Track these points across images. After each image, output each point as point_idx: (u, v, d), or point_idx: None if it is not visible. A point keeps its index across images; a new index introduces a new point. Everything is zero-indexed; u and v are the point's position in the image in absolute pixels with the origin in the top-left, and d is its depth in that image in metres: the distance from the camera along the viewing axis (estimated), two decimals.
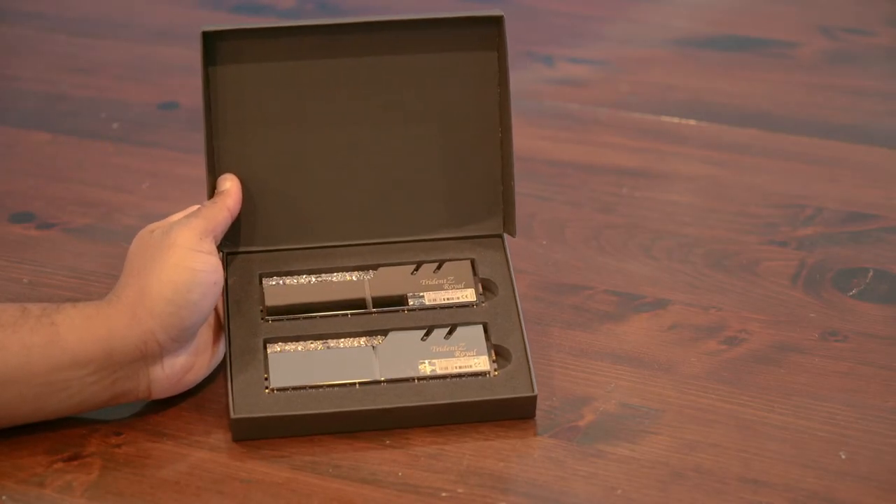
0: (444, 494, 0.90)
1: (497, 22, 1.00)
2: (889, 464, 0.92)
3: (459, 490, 0.90)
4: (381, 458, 0.92)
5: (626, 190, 1.23)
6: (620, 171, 1.26)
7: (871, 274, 1.11)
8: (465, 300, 1.00)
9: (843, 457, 0.92)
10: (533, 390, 0.94)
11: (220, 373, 0.98)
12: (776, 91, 1.41)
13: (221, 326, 0.97)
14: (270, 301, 0.98)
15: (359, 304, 0.99)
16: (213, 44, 0.98)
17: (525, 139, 1.26)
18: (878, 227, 1.18)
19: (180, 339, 0.91)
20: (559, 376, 1.00)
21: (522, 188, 1.22)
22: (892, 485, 0.90)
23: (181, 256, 0.91)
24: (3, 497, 0.89)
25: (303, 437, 0.93)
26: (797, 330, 1.05)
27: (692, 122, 1.35)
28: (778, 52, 1.49)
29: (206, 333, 0.95)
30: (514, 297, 0.99)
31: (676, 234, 1.17)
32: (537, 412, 0.96)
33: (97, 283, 1.09)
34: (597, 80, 1.43)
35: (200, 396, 0.97)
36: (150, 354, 0.91)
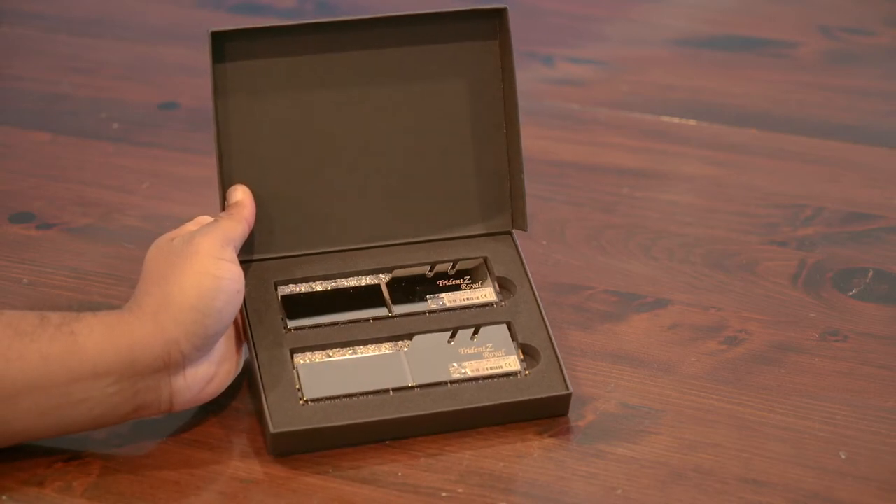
0: (444, 494, 0.90)
1: (500, 15, 1.00)
2: (889, 464, 0.92)
3: (459, 490, 0.90)
4: (381, 458, 0.92)
5: (627, 190, 1.23)
6: (621, 171, 1.26)
7: (871, 274, 1.11)
8: (485, 300, 1.00)
9: (843, 457, 0.92)
10: (567, 388, 0.94)
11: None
12: (776, 91, 1.41)
13: (240, 336, 0.96)
14: (290, 310, 0.98)
15: (378, 306, 0.99)
16: (221, 47, 0.97)
17: (525, 139, 1.26)
18: (878, 227, 1.18)
19: (203, 347, 0.90)
20: None
21: None
22: (892, 485, 0.90)
23: (205, 264, 0.90)
24: (3, 497, 0.89)
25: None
26: (797, 330, 1.05)
27: (692, 122, 1.35)
28: (778, 52, 1.50)
29: (226, 343, 0.93)
30: (533, 293, 0.99)
31: (676, 234, 1.17)
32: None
33: (97, 283, 1.09)
34: (597, 80, 1.43)
35: None
36: (172, 364, 0.89)
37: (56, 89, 1.40)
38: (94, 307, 1.00)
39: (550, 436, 0.94)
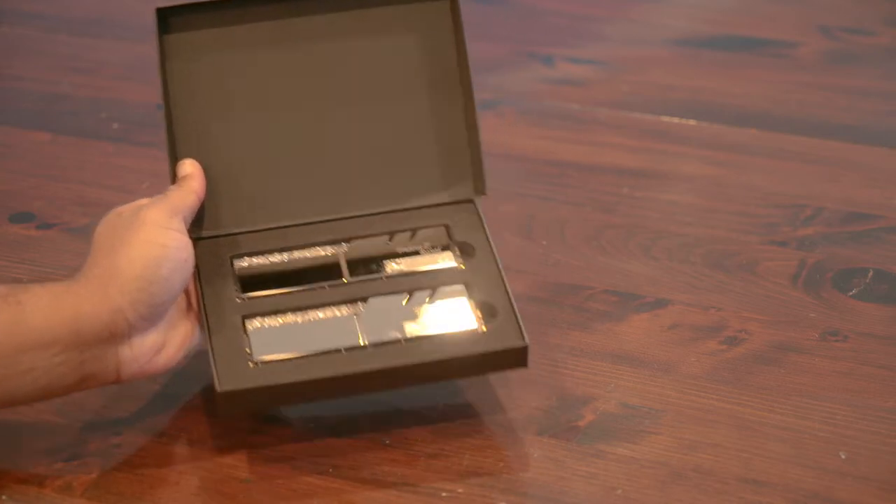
0: (444, 494, 0.90)
1: None
2: (889, 464, 0.92)
3: (459, 490, 0.90)
4: (381, 458, 0.92)
5: (627, 190, 1.23)
6: (620, 171, 1.26)
7: (871, 274, 1.11)
8: (444, 264, 0.99)
9: (843, 457, 0.92)
10: (524, 340, 0.93)
11: None
12: (776, 91, 1.41)
13: (193, 310, 0.96)
14: (244, 281, 0.97)
15: (335, 275, 0.98)
16: (167, 22, 0.98)
17: (525, 139, 1.26)
18: (878, 227, 1.18)
19: (150, 317, 0.90)
20: (559, 376, 1.00)
21: (523, 188, 1.23)
22: (892, 485, 0.90)
23: (151, 233, 0.90)
24: (3, 497, 0.89)
25: (303, 435, 0.93)
26: (797, 330, 1.05)
27: (692, 122, 1.35)
28: (778, 52, 1.50)
29: (176, 315, 0.94)
30: (494, 256, 0.98)
31: (676, 234, 1.17)
32: (537, 412, 0.96)
33: None
34: (597, 80, 1.43)
35: (199, 396, 0.97)
36: (118, 333, 0.89)
37: (56, 89, 1.40)
38: None
39: (550, 436, 0.94)
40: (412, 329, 0.94)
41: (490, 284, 0.97)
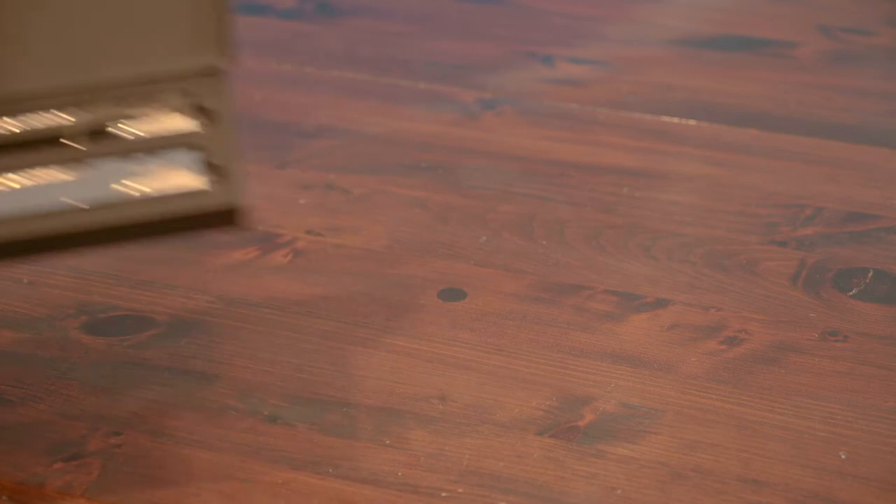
0: (444, 494, 0.90)
1: None
2: (889, 464, 0.92)
3: (459, 490, 0.90)
4: (381, 458, 0.92)
5: (627, 190, 1.23)
6: (620, 171, 1.26)
7: (871, 274, 1.11)
8: (177, 128, 0.92)
9: (843, 457, 0.92)
10: (236, 198, 0.88)
11: (214, 365, 0.98)
12: (776, 91, 1.41)
13: None
14: None
15: (55, 139, 0.92)
16: None
17: (525, 139, 1.26)
18: (878, 227, 1.18)
19: None
20: (559, 376, 1.00)
21: (523, 188, 1.23)
22: (892, 485, 0.90)
23: None
24: (3, 497, 0.89)
25: (303, 435, 0.94)
26: (797, 330, 1.05)
27: (692, 122, 1.35)
28: (778, 52, 1.50)
29: None
30: (231, 123, 0.92)
31: (676, 234, 1.17)
32: (537, 412, 0.96)
33: (97, 282, 1.09)
34: (597, 80, 1.43)
35: (197, 396, 0.97)
36: None
37: None
38: (94, 307, 1.00)
39: (550, 436, 0.94)
40: (134, 189, 0.88)
41: (222, 148, 0.91)
